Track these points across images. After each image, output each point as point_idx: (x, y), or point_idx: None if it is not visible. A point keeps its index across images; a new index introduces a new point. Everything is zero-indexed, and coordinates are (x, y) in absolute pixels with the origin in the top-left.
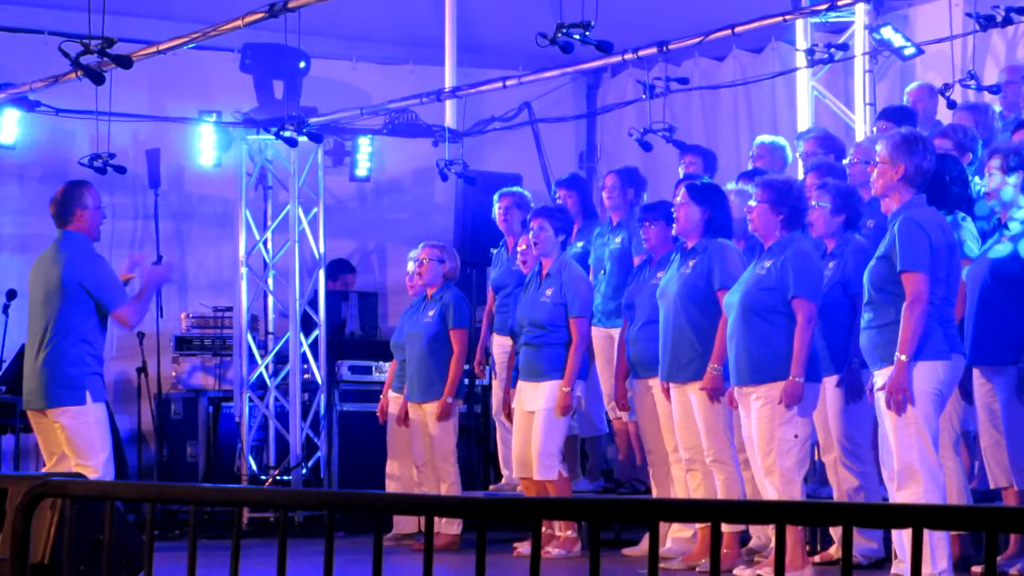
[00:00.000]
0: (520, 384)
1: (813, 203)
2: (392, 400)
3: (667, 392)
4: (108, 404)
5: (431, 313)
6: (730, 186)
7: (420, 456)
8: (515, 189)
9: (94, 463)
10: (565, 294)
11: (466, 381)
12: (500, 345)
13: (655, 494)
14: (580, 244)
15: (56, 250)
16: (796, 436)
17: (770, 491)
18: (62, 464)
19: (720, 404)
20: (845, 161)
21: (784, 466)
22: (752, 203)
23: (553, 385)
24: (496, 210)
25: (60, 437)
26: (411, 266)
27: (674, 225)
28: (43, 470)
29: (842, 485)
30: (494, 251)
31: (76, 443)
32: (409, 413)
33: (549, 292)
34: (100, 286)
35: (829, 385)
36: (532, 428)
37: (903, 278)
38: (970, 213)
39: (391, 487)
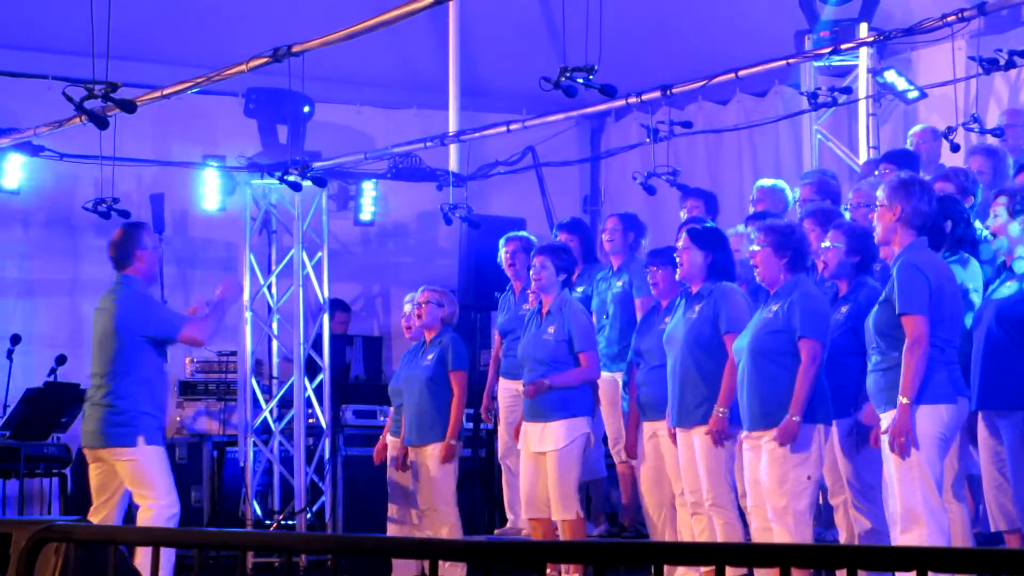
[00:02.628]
0: (525, 426)
1: (827, 243)
2: (390, 444)
3: (674, 437)
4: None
5: (430, 357)
6: (739, 229)
7: (422, 500)
8: (521, 233)
9: (153, 494)
10: (568, 330)
11: (470, 425)
12: (507, 389)
13: (652, 537)
14: (581, 288)
15: (112, 296)
16: (809, 478)
17: (783, 534)
18: (107, 506)
19: (724, 448)
20: (844, 205)
21: (797, 508)
22: (755, 248)
23: (561, 425)
24: (502, 254)
25: (122, 474)
26: (408, 308)
27: (678, 270)
28: (91, 510)
29: (855, 528)
30: (500, 295)
31: (135, 480)
32: (409, 456)
33: (551, 330)
34: (157, 325)
35: (839, 429)
36: (543, 469)
37: (903, 321)
38: (974, 254)
39: (391, 531)
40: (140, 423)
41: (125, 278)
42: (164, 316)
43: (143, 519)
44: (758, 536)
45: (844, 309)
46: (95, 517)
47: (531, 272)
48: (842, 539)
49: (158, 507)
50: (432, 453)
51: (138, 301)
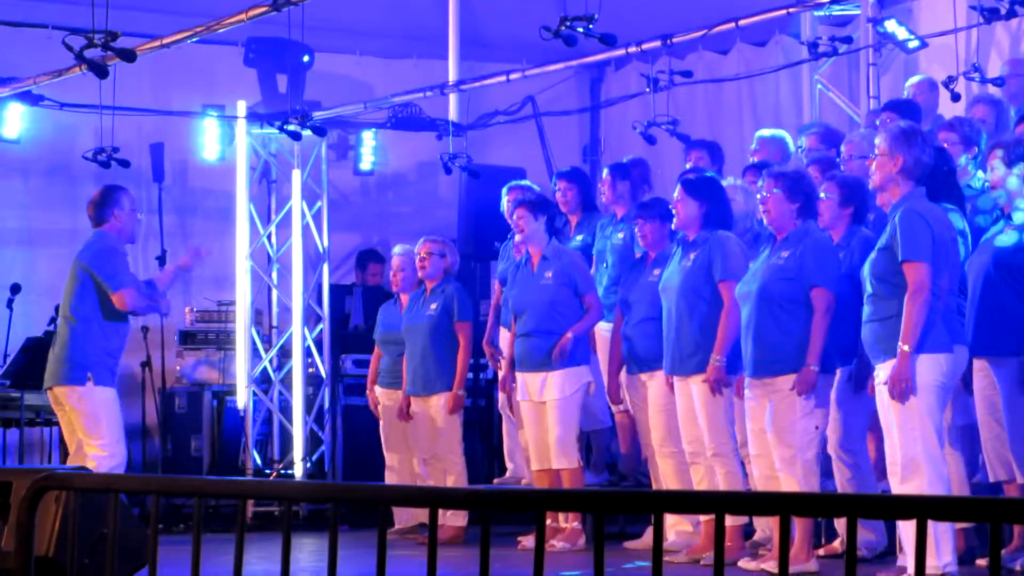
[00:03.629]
0: (522, 376)
1: (822, 194)
2: (382, 395)
3: (671, 386)
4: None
5: (433, 306)
6: (730, 180)
7: (426, 449)
8: (524, 182)
9: (99, 443)
10: (569, 273)
11: (469, 375)
12: (507, 338)
13: (654, 487)
14: (580, 237)
15: (86, 245)
16: (816, 427)
17: (790, 483)
18: (82, 452)
19: (722, 397)
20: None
21: (806, 458)
22: (764, 194)
23: (563, 374)
24: (505, 203)
25: (72, 418)
26: (396, 262)
27: (673, 220)
28: (69, 457)
29: (836, 476)
30: (500, 245)
31: (83, 422)
32: (412, 406)
33: (549, 274)
34: (105, 270)
35: (837, 377)
36: (545, 418)
37: (905, 268)
38: (960, 206)
39: (390, 480)
40: (90, 363)
41: (100, 232)
42: (116, 269)
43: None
44: (762, 485)
45: (840, 256)
46: (74, 462)
47: (513, 226)
48: (838, 489)
49: (100, 458)
50: (437, 403)
51: (104, 250)
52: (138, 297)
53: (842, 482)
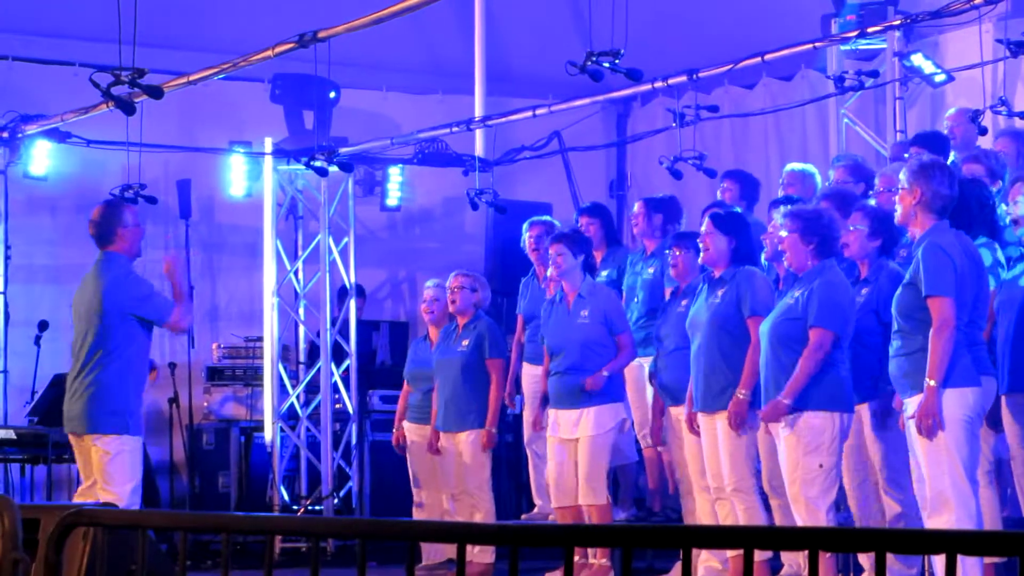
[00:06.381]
0: (555, 412)
1: (851, 226)
2: (411, 430)
3: (691, 422)
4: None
5: (465, 342)
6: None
7: (454, 485)
8: (545, 218)
9: (120, 492)
10: (604, 312)
11: None
12: (530, 375)
13: (686, 522)
14: (605, 272)
15: (98, 273)
16: (820, 465)
17: (797, 519)
18: (95, 488)
19: (745, 432)
20: (871, 191)
21: (808, 495)
22: (783, 233)
23: (599, 411)
24: (526, 239)
25: (93, 460)
26: (428, 294)
27: (702, 254)
28: (78, 491)
29: (886, 512)
30: (524, 280)
31: (107, 470)
32: (441, 442)
33: (585, 313)
34: (146, 306)
35: (864, 412)
36: (573, 456)
37: (929, 303)
38: (995, 238)
39: (419, 517)
40: (128, 410)
41: (108, 255)
42: (154, 297)
43: None
44: (783, 518)
45: (864, 291)
46: (83, 498)
47: (550, 261)
48: (856, 524)
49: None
50: (467, 439)
51: (127, 280)
52: (184, 311)
53: (891, 518)
